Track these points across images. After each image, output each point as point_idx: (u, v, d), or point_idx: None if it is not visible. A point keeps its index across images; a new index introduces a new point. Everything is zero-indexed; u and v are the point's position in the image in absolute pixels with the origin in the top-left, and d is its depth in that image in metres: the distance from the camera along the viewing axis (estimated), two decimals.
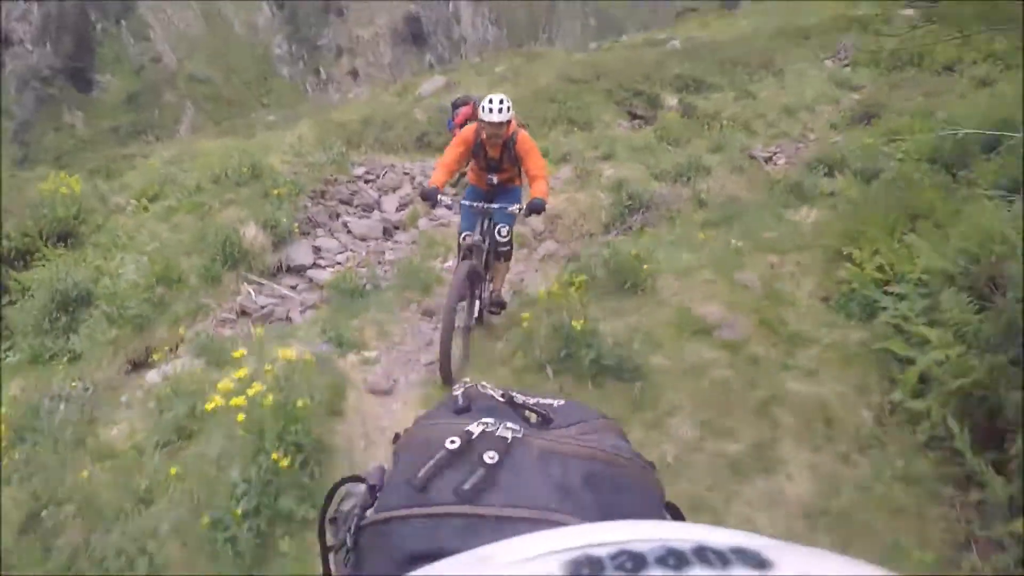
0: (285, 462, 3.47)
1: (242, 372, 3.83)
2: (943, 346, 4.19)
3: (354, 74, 63.05)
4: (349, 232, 9.86)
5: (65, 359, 7.09)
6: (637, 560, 0.35)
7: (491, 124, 5.44)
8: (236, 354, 4.15)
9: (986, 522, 3.18)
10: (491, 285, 6.12)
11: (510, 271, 6.83)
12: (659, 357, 4.51)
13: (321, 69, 63.41)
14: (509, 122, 5.54)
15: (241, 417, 3.60)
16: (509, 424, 0.62)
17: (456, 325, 5.23)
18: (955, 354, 4.01)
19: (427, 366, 5.52)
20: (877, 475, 3.44)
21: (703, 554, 0.35)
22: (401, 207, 10.83)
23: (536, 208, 5.41)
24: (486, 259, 5.85)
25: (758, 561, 0.34)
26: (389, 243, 9.66)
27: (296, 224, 9.20)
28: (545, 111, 14.22)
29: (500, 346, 5.30)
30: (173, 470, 3.55)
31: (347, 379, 4.77)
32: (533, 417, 0.70)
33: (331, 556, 0.64)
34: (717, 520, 3.33)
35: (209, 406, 3.53)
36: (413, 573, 0.45)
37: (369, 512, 0.61)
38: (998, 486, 3.15)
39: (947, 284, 4.80)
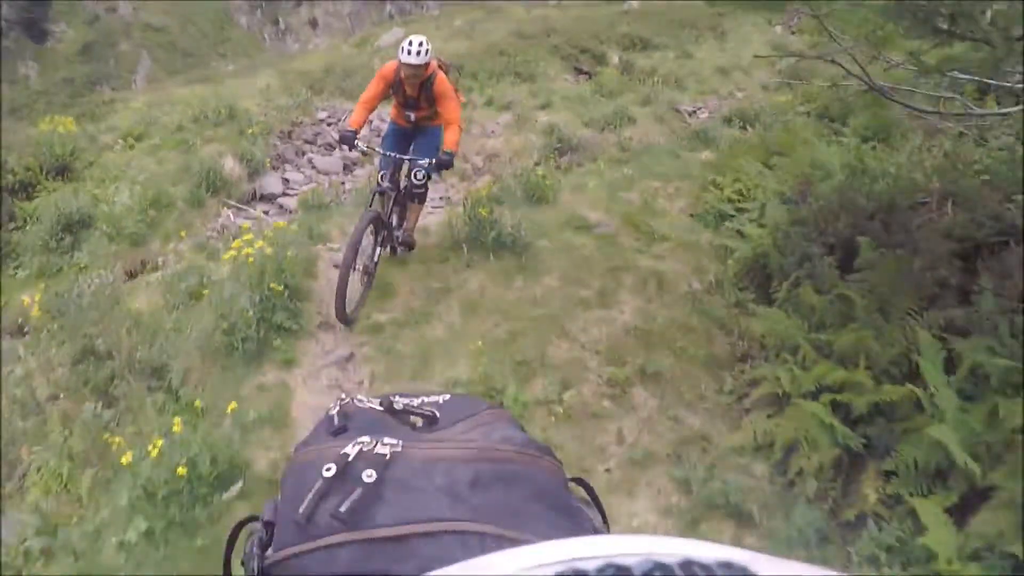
0: (279, 288, 5.13)
1: (249, 236, 5.52)
2: (758, 240, 5.92)
3: (313, 24, 63.26)
4: (313, 167, 11.39)
5: (72, 272, 8.57)
6: (624, 574, 0.35)
7: (409, 66, 5.75)
8: (244, 226, 5.79)
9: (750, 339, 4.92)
10: (405, 224, 6.45)
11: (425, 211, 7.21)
12: (544, 241, 6.20)
13: (280, 19, 63.46)
14: (427, 64, 5.86)
15: (251, 259, 5.26)
16: (387, 440, 0.62)
17: (356, 268, 5.58)
18: (762, 242, 5.75)
19: None
20: (686, 314, 5.15)
21: (690, 568, 0.35)
22: (364, 154, 12.36)
23: (444, 165, 5.88)
24: (402, 200, 6.26)
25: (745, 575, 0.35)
26: (348, 177, 11.21)
27: (268, 159, 10.73)
28: (495, 64, 15.77)
29: (431, 239, 6.86)
30: (204, 292, 5.26)
31: (317, 256, 6.42)
32: (418, 421, 0.70)
33: None
34: (560, 325, 5.03)
35: (226, 256, 5.16)
36: None
37: (269, 551, 0.60)
38: (761, 312, 4.87)
39: (778, 200, 6.54)
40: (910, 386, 3.45)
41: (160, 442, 3.75)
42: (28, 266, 8.73)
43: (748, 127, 10.86)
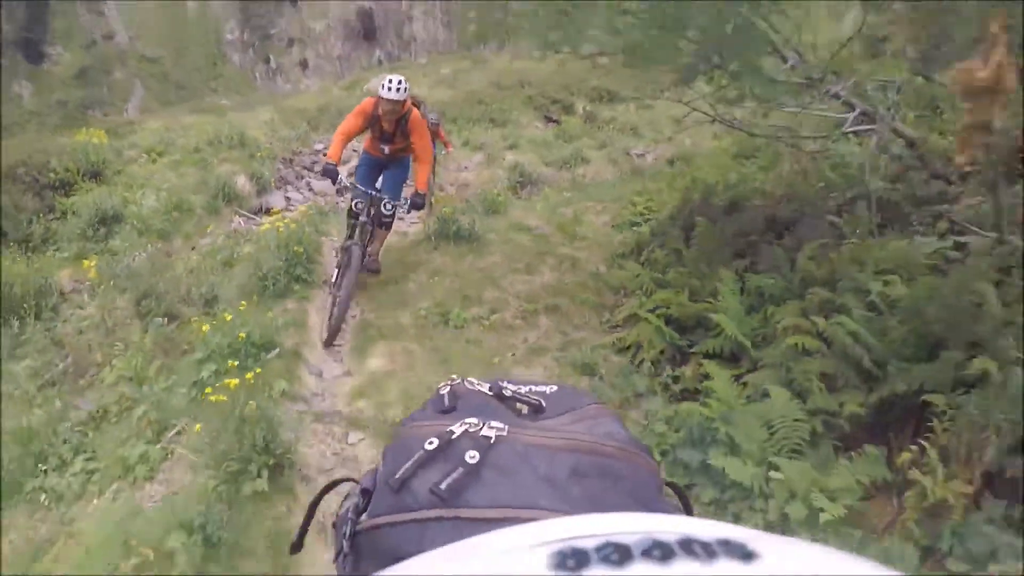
0: (300, 250, 7.31)
1: (277, 213, 7.71)
2: (644, 232, 8.08)
3: (304, 65, 65.76)
4: (311, 189, 13.56)
5: (106, 256, 10.59)
6: (623, 552, 0.36)
7: (388, 101, 6.39)
8: (275, 211, 7.99)
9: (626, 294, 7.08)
10: (370, 248, 7.01)
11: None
12: (492, 235, 8.40)
13: (271, 58, 65.95)
14: (405, 101, 6.50)
15: (281, 230, 7.43)
16: (493, 423, 0.63)
17: (339, 294, 6.45)
18: (644, 232, 7.92)
19: None
20: (586, 279, 7.28)
21: (689, 546, 0.36)
22: (350, 174, 14.58)
23: (417, 205, 6.65)
24: (370, 226, 6.83)
25: (744, 553, 0.35)
26: (341, 198, 13.39)
27: (273, 180, 12.90)
28: (473, 111, 18.13)
29: (409, 239, 9.01)
30: (235, 262, 7.46)
31: (321, 242, 8.57)
32: (524, 408, 0.72)
33: (334, 561, 0.65)
34: (495, 282, 7.15)
35: (262, 228, 7.39)
36: (396, 567, 0.47)
37: (363, 517, 0.63)
38: (627, 266, 6.97)
39: (668, 210, 8.72)
40: (714, 302, 5.53)
41: (229, 316, 5.88)
42: (66, 250, 10.50)
43: (686, 165, 13.07)
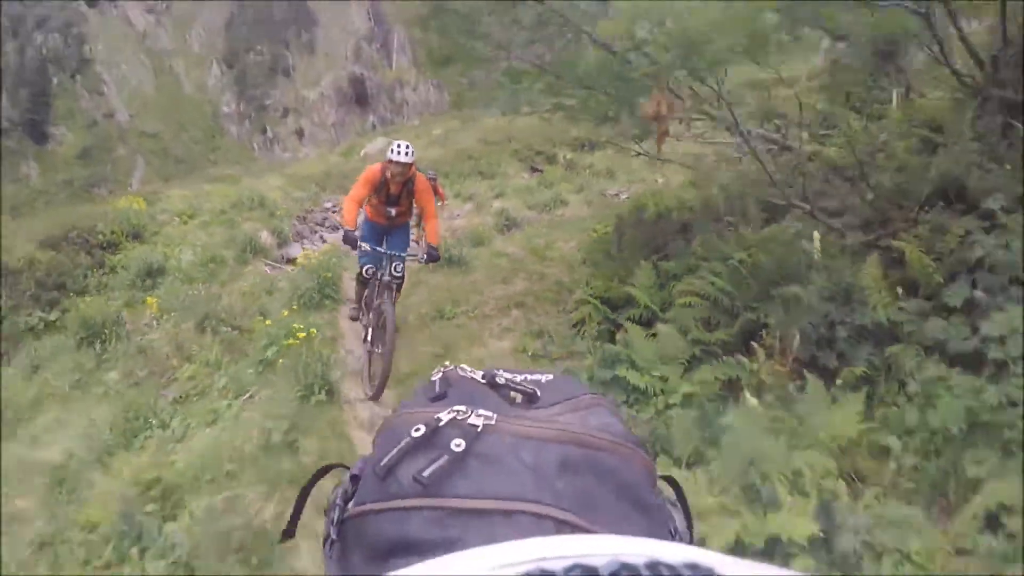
0: (328, 275, 9.51)
1: (308, 252, 9.92)
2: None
3: (299, 133, 68.71)
4: (324, 241, 15.80)
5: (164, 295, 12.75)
6: (591, 574, 0.37)
7: (398, 164, 6.85)
8: (305, 251, 10.25)
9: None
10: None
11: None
12: (477, 261, 10.60)
13: (268, 128, 69.06)
14: (412, 164, 7.00)
15: (312, 262, 9.63)
16: (481, 411, 0.63)
17: (376, 352, 7.06)
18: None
19: None
20: (551, 286, 9.42)
21: (656, 569, 0.37)
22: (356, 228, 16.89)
23: (434, 258, 7.18)
24: (385, 288, 7.23)
25: None
26: (350, 249, 15.64)
27: (291, 234, 15.14)
28: (463, 167, 20.53)
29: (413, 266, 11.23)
30: (272, 292, 9.67)
31: (341, 275, 10.74)
32: (517, 397, 0.71)
33: (323, 548, 0.67)
34: (479, 291, 9.28)
35: (297, 262, 9.65)
36: None
37: (350, 505, 0.64)
38: (578, 269, 9.14)
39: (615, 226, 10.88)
40: (635, 284, 7.61)
41: (286, 313, 8.09)
42: (119, 298, 12.73)
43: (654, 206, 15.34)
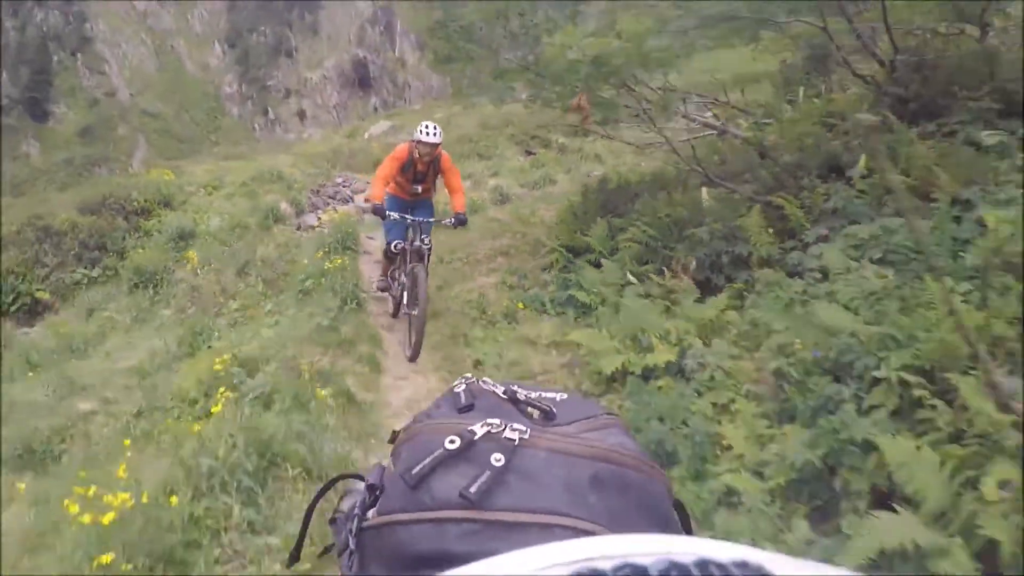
0: (349, 230, 11.96)
1: (329, 214, 12.34)
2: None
3: (301, 115, 70.79)
4: (335, 210, 18.18)
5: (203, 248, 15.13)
6: (640, 574, 0.38)
7: (426, 144, 7.48)
8: (329, 213, 12.68)
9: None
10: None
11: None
12: (472, 224, 12.89)
13: (269, 109, 71.18)
14: (438, 144, 7.64)
15: (335, 219, 12.06)
16: (515, 425, 0.66)
17: (414, 314, 7.71)
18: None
19: None
20: (531, 241, 11.82)
21: (706, 568, 0.39)
22: (365, 200, 19.25)
23: (462, 222, 8.07)
24: (416, 258, 7.91)
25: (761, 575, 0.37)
26: (359, 217, 18.04)
27: (306, 204, 17.54)
28: (463, 149, 22.87)
29: None
30: (298, 246, 12.07)
31: (357, 232, 13.13)
32: (535, 413, 0.73)
33: (337, 557, 0.69)
34: (473, 245, 11.66)
35: (324, 217, 12.05)
36: None
37: (371, 513, 0.66)
38: (551, 227, 11.54)
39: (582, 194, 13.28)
40: (592, 236, 9.97)
41: (319, 254, 10.51)
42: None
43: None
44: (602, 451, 0.66)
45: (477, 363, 7.54)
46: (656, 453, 4.80)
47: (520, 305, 8.89)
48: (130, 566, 3.51)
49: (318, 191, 19.14)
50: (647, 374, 6.02)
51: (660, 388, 5.71)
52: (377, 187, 7.74)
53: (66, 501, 3.99)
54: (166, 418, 6.98)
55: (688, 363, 5.88)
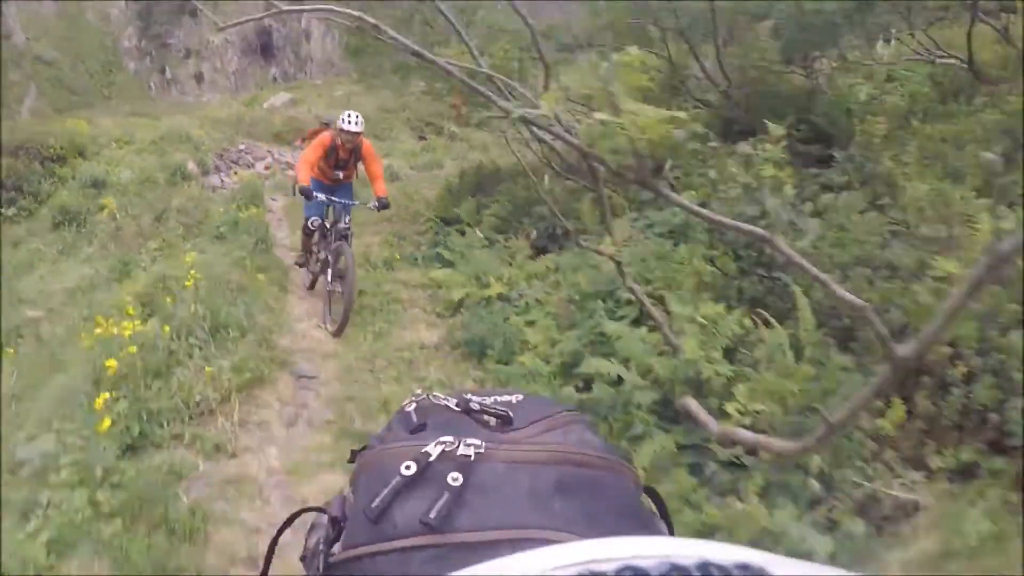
0: (256, 188, 13.92)
1: (238, 175, 14.34)
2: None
3: (199, 78, 70.02)
4: (237, 174, 20.01)
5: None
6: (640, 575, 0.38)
7: (348, 133, 7.97)
8: (233, 174, 14.66)
9: None
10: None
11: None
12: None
13: (167, 68, 70.33)
14: (360, 133, 8.10)
15: (245, 179, 14.06)
16: (469, 440, 0.66)
17: (337, 291, 8.25)
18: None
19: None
20: (413, 209, 14.02)
21: (707, 570, 0.39)
22: (265, 168, 21.13)
23: (384, 206, 8.51)
24: (337, 240, 8.31)
25: None
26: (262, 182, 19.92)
27: (212, 167, 19.34)
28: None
29: None
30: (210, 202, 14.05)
31: (263, 189, 15.12)
32: (492, 421, 0.73)
33: None
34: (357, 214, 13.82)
35: (222, 182, 14.07)
36: None
37: (336, 547, 0.65)
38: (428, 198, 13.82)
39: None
40: (461, 210, 12.27)
41: (234, 206, 12.51)
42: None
43: None
44: (563, 454, 0.67)
45: (361, 293, 9.53)
46: (476, 343, 7.17)
47: (396, 257, 11.05)
48: (127, 374, 5.62)
49: (222, 155, 20.89)
50: (484, 301, 8.35)
51: (490, 310, 8.04)
52: (303, 171, 8.18)
53: (81, 333, 6.08)
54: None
55: (513, 295, 8.25)
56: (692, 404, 4.90)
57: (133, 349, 5.72)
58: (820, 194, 7.25)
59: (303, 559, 0.73)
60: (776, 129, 6.92)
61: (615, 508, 0.64)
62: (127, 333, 6.00)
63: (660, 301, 6.45)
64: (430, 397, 0.77)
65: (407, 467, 0.63)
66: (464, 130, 26.35)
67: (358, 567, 0.61)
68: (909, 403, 4.76)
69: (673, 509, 3.66)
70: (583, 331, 6.66)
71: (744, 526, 3.94)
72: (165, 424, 5.27)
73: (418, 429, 0.71)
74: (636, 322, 6.43)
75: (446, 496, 0.61)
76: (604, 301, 6.93)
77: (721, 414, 4.84)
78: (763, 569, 0.39)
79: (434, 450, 0.65)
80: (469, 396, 0.76)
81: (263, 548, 4.01)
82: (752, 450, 4.47)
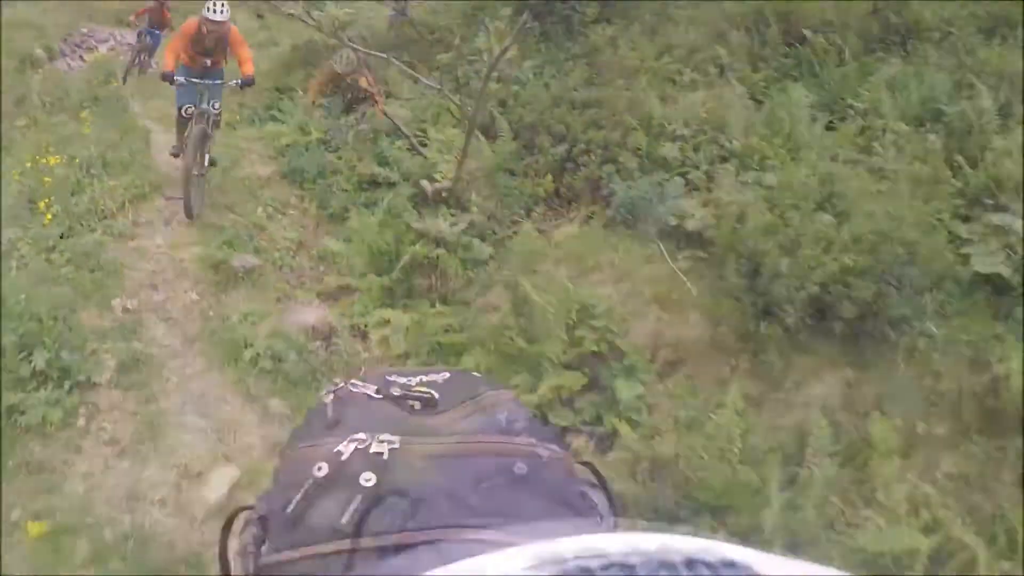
0: (112, 69, 16.04)
1: (97, 56, 16.36)
2: None
3: None
4: (83, 60, 21.59)
5: None
6: (629, 573, 0.38)
7: (213, 22, 7.71)
8: (95, 55, 16.63)
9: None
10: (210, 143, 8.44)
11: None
12: None
13: None
14: (225, 22, 7.78)
15: (97, 62, 16.15)
16: (383, 437, 0.64)
17: (194, 173, 7.97)
18: None
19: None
20: None
21: (695, 568, 0.38)
22: (110, 49, 22.76)
23: (248, 83, 8.27)
24: (208, 125, 8.13)
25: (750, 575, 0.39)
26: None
27: (58, 52, 20.88)
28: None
29: None
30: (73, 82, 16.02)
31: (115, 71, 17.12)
32: (416, 404, 0.72)
33: None
34: None
35: (88, 59, 16.10)
36: None
37: (264, 548, 0.64)
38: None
39: None
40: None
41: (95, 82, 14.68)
42: None
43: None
44: (482, 444, 0.66)
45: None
46: (298, 172, 9.90)
47: (238, 118, 13.43)
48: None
49: (66, 40, 22.28)
50: (305, 146, 11.07)
51: (310, 150, 10.82)
52: (168, 58, 8.10)
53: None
54: None
55: (328, 138, 11.03)
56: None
57: (58, 168, 8.37)
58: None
59: (238, 555, 0.69)
60: None
61: (540, 494, 0.63)
62: (52, 162, 8.58)
63: (424, 133, 9.39)
64: (349, 386, 0.75)
65: (319, 468, 0.63)
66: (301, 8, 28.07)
67: (279, 571, 0.61)
68: (556, 179, 7.99)
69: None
70: (376, 157, 9.50)
71: None
72: (84, 222, 7.88)
73: (333, 424, 0.69)
74: (410, 149, 9.33)
75: (359, 498, 0.60)
76: (389, 137, 9.76)
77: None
78: (751, 567, 0.39)
79: (346, 448, 0.64)
80: (392, 378, 0.76)
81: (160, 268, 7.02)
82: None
